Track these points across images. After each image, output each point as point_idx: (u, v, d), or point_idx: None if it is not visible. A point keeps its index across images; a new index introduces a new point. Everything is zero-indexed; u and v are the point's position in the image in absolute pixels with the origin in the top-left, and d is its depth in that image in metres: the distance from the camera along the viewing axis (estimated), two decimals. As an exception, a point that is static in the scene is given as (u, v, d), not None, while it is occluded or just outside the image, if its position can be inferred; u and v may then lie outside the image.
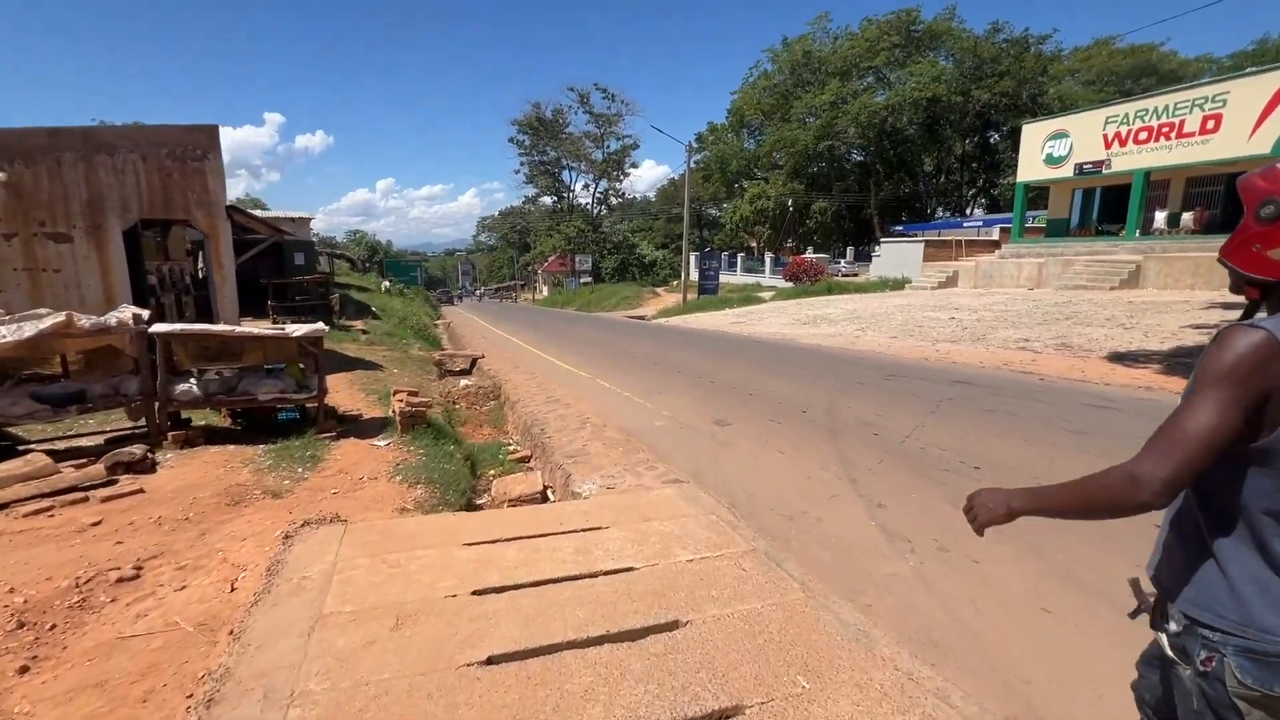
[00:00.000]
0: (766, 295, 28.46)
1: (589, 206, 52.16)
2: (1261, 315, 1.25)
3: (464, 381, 11.01)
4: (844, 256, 43.08)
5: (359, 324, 17.06)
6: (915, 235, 32.14)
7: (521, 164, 51.70)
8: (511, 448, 7.54)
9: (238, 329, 6.05)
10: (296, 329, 6.11)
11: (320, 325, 6.30)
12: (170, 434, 5.67)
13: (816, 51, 47.94)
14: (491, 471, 6.61)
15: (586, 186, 51.89)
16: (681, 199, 65.05)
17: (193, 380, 5.89)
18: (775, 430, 6.67)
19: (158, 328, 5.59)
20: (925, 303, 21.32)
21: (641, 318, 29.13)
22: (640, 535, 3.94)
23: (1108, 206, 25.35)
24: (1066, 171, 24.22)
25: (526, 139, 49.94)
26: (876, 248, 33.79)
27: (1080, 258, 22.15)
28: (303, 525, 4.15)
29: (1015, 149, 45.93)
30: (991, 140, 47.16)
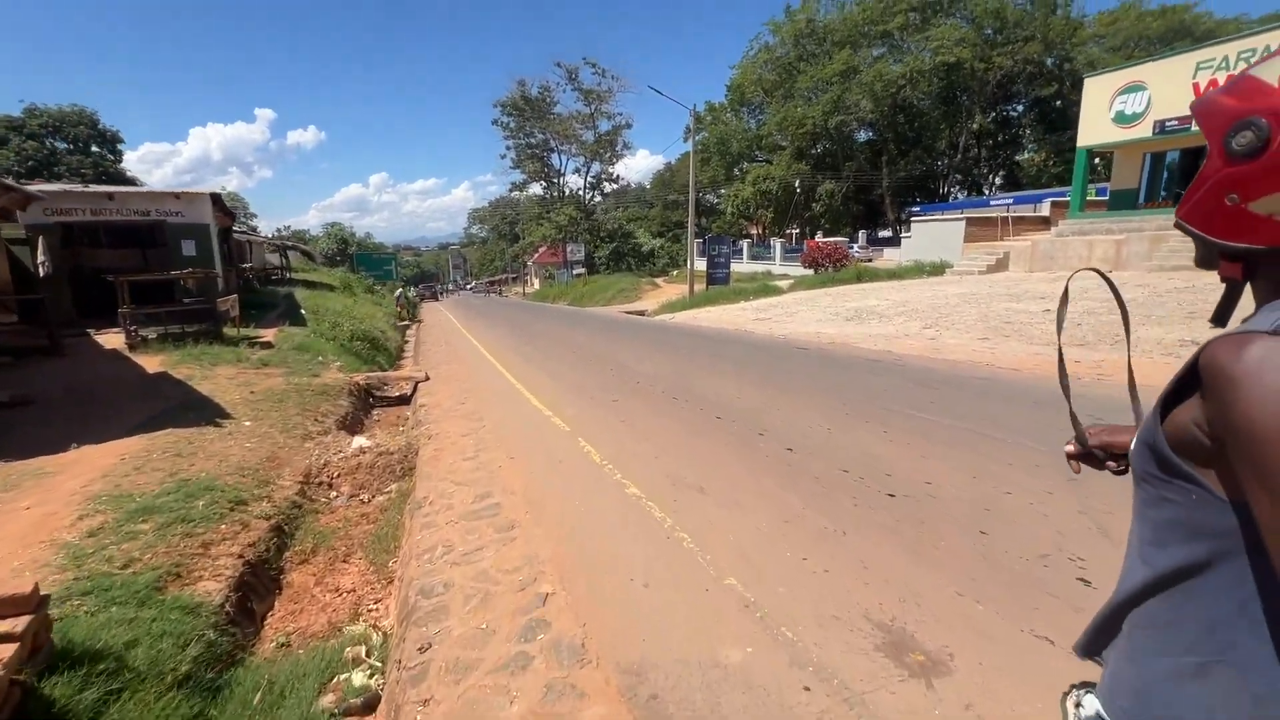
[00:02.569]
0: (783, 284, 23.82)
1: (581, 193, 47.11)
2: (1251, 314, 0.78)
3: (358, 441, 6.36)
4: (856, 241, 38.44)
5: (271, 333, 12.37)
6: (948, 214, 27.48)
7: (508, 148, 46.57)
8: (364, 676, 2.94)
9: None
10: None
11: None
12: None
13: (821, 20, 43.01)
14: None
15: (578, 171, 46.82)
16: (679, 184, 60.11)
17: None
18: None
19: None
20: (989, 290, 16.72)
21: (641, 313, 24.47)
22: None
23: (1185, 173, 20.75)
24: (1143, 131, 19.49)
25: (511, 121, 44.80)
26: (905, 229, 29.26)
27: (1169, 233, 17.56)
28: None
29: (1040, 121, 41.33)
30: (1013, 113, 42.44)
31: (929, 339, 11.49)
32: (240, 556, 3.79)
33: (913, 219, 26.56)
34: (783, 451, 5.04)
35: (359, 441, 6.31)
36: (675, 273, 41.30)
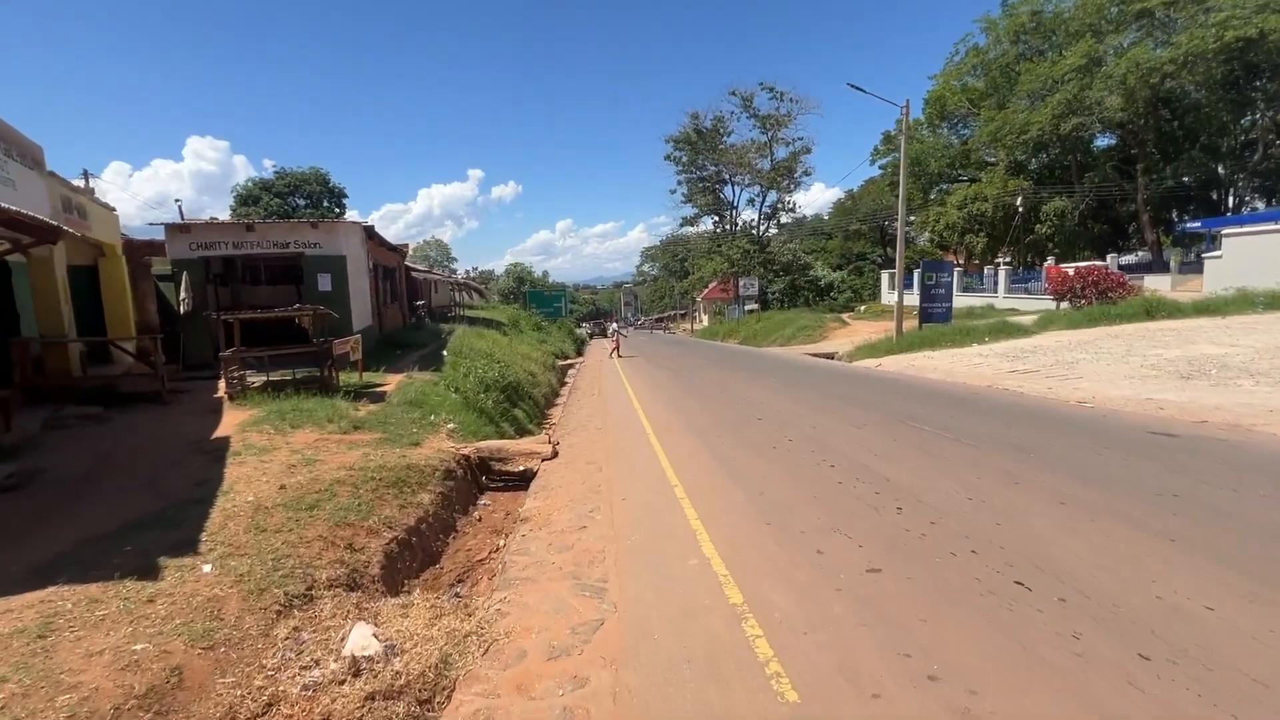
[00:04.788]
0: (1025, 321, 17.78)
1: (754, 224, 43.29)
2: None
3: (355, 641, 3.13)
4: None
5: (394, 380, 10.23)
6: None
7: (679, 183, 44.39)
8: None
9: None
10: None
11: None
12: None
13: (1050, 10, 35.45)
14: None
15: (752, 202, 43.10)
16: (863, 212, 53.87)
17: None
18: None
19: None
20: None
21: (830, 356, 19.88)
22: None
23: None
24: None
25: (683, 155, 42.65)
26: (1213, 246, 21.51)
27: None
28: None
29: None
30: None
31: None
32: None
33: (1224, 234, 18.98)
34: None
35: (357, 642, 3.05)
36: (863, 308, 35.72)
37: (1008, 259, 38.35)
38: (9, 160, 7.10)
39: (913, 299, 19.99)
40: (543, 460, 7.41)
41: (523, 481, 7.54)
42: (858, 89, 17.88)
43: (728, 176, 42.50)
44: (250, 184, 36.82)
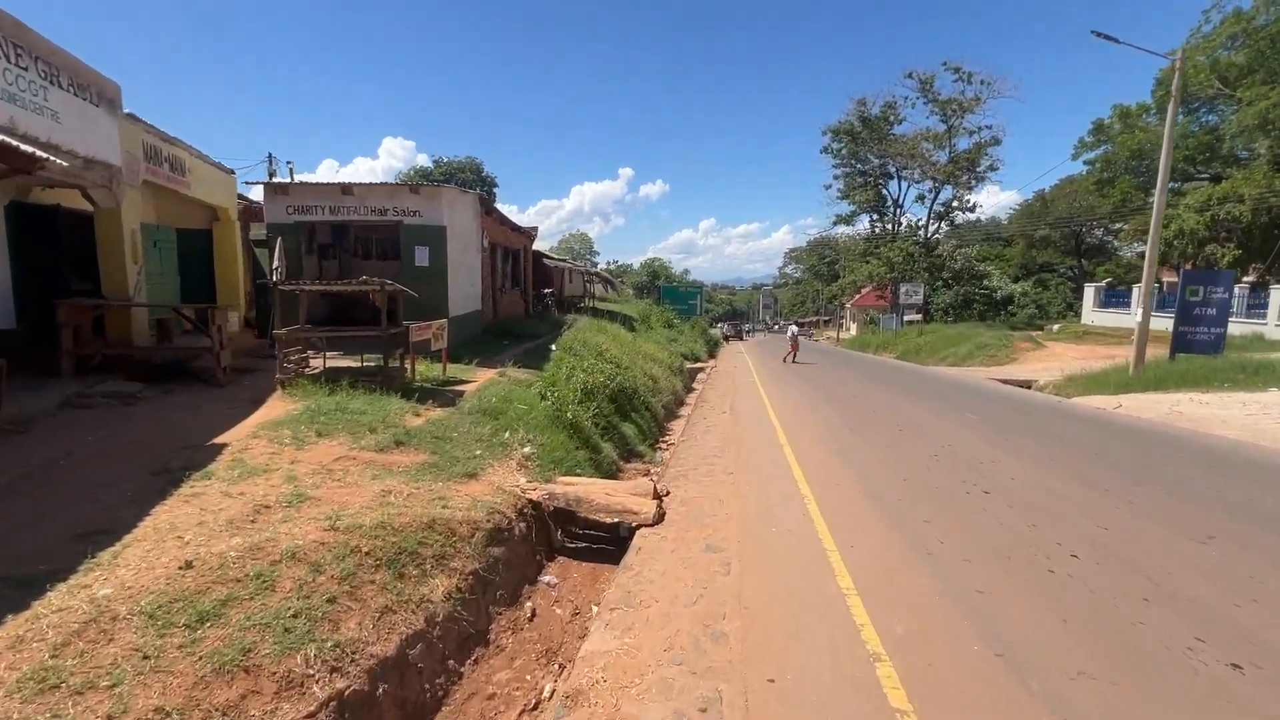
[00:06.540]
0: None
1: (921, 224, 37.53)
2: None
3: None
4: None
5: (482, 377, 8.29)
6: None
7: (835, 177, 39.71)
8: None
9: None
10: None
11: None
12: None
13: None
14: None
15: (921, 198, 37.34)
16: (1055, 215, 45.39)
17: None
18: None
19: None
20: None
21: (1025, 384, 15.41)
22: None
23: None
24: None
25: (842, 146, 38.02)
26: None
27: None
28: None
29: None
30: None
31: None
32: None
33: None
34: None
35: None
36: (1056, 327, 29.28)
37: (1250, 278, 29.63)
38: (51, 87, 5.93)
39: (1161, 320, 14.86)
40: (640, 525, 4.89)
41: (614, 546, 5.10)
42: (1107, 38, 13.37)
43: (894, 170, 37.22)
44: (410, 172, 38.41)
